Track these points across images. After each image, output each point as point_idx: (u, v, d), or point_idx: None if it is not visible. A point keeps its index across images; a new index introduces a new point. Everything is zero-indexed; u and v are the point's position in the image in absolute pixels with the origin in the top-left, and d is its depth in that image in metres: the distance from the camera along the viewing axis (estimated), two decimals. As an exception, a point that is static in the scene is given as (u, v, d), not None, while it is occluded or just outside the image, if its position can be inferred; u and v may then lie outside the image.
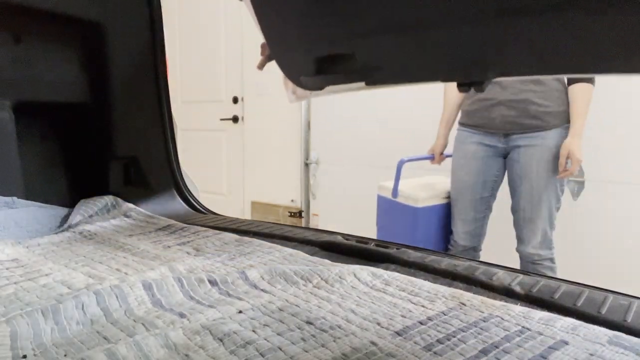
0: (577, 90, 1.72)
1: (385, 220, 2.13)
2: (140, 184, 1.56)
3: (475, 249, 1.94)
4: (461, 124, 1.93)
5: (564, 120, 1.74)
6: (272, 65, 0.84)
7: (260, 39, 0.79)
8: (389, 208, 2.08)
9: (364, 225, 2.10)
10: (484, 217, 1.91)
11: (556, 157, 1.72)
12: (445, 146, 2.04)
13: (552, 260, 1.79)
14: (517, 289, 0.79)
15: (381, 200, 2.13)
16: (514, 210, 1.83)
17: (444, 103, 2.00)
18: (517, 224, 1.82)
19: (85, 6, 1.43)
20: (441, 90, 2.04)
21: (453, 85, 2.15)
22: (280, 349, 0.53)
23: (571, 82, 1.74)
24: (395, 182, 2.01)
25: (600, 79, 2.24)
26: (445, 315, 0.63)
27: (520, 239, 1.82)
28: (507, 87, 1.76)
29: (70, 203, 1.20)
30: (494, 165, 1.87)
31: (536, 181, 1.75)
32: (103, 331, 0.58)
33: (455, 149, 1.93)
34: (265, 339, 0.55)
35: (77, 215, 1.15)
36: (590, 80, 1.72)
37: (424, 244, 1.73)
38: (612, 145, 2.21)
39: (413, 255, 0.96)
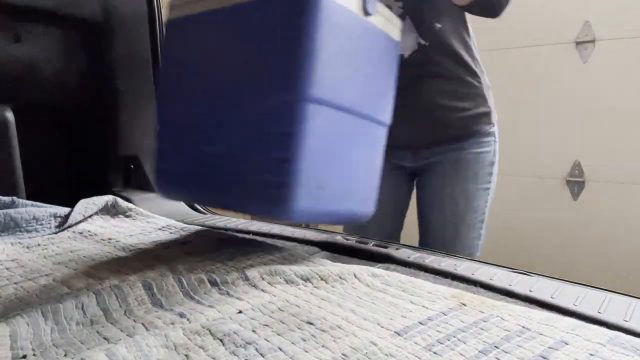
0: None
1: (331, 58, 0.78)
2: (140, 184, 1.56)
3: None
4: None
5: (485, 123, 1.32)
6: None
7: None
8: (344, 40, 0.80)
9: (364, 225, 2.09)
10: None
11: (477, 174, 1.31)
12: None
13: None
14: (517, 289, 0.79)
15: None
16: (425, 244, 1.36)
17: None
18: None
19: (85, 6, 1.43)
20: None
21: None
22: (281, 349, 0.53)
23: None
24: None
25: (600, 79, 2.24)
26: (445, 315, 0.63)
27: None
28: (417, 92, 1.28)
29: (70, 203, 1.20)
30: (404, 189, 1.43)
31: (452, 210, 1.32)
32: (103, 331, 0.58)
33: None
34: (266, 339, 0.55)
35: (77, 215, 1.15)
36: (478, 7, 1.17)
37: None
38: (612, 145, 2.21)
39: (413, 255, 0.97)
